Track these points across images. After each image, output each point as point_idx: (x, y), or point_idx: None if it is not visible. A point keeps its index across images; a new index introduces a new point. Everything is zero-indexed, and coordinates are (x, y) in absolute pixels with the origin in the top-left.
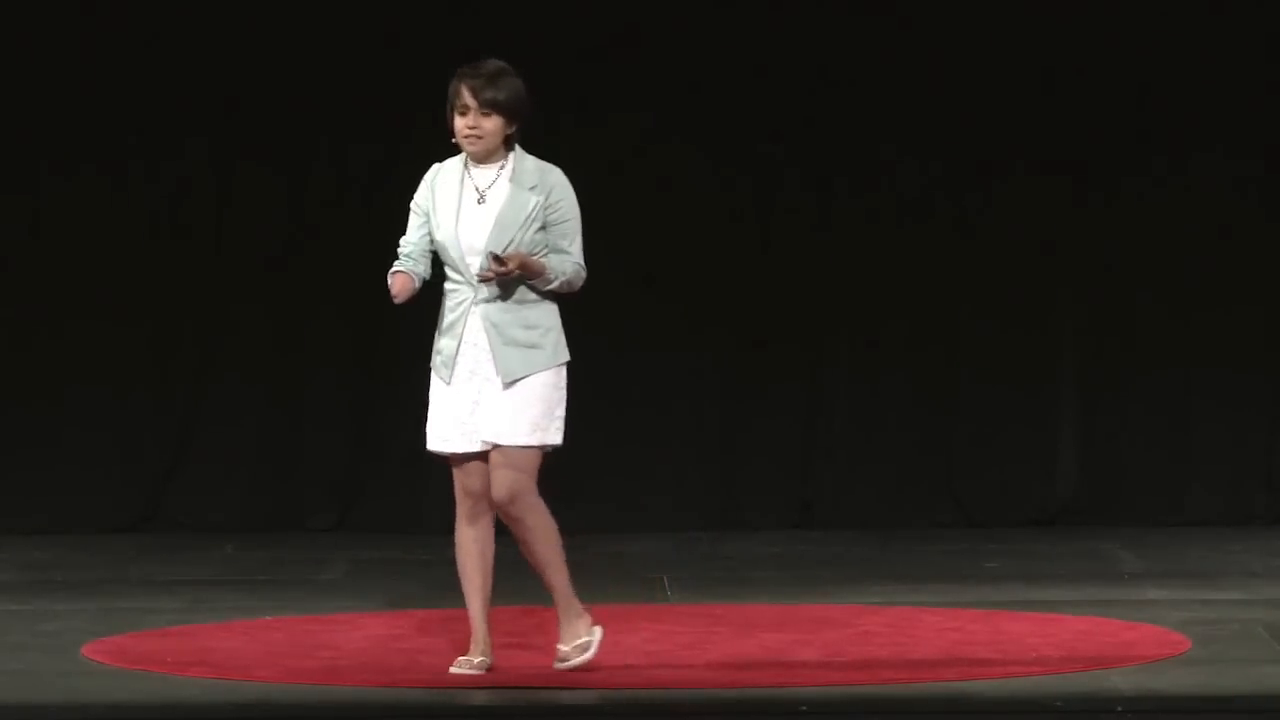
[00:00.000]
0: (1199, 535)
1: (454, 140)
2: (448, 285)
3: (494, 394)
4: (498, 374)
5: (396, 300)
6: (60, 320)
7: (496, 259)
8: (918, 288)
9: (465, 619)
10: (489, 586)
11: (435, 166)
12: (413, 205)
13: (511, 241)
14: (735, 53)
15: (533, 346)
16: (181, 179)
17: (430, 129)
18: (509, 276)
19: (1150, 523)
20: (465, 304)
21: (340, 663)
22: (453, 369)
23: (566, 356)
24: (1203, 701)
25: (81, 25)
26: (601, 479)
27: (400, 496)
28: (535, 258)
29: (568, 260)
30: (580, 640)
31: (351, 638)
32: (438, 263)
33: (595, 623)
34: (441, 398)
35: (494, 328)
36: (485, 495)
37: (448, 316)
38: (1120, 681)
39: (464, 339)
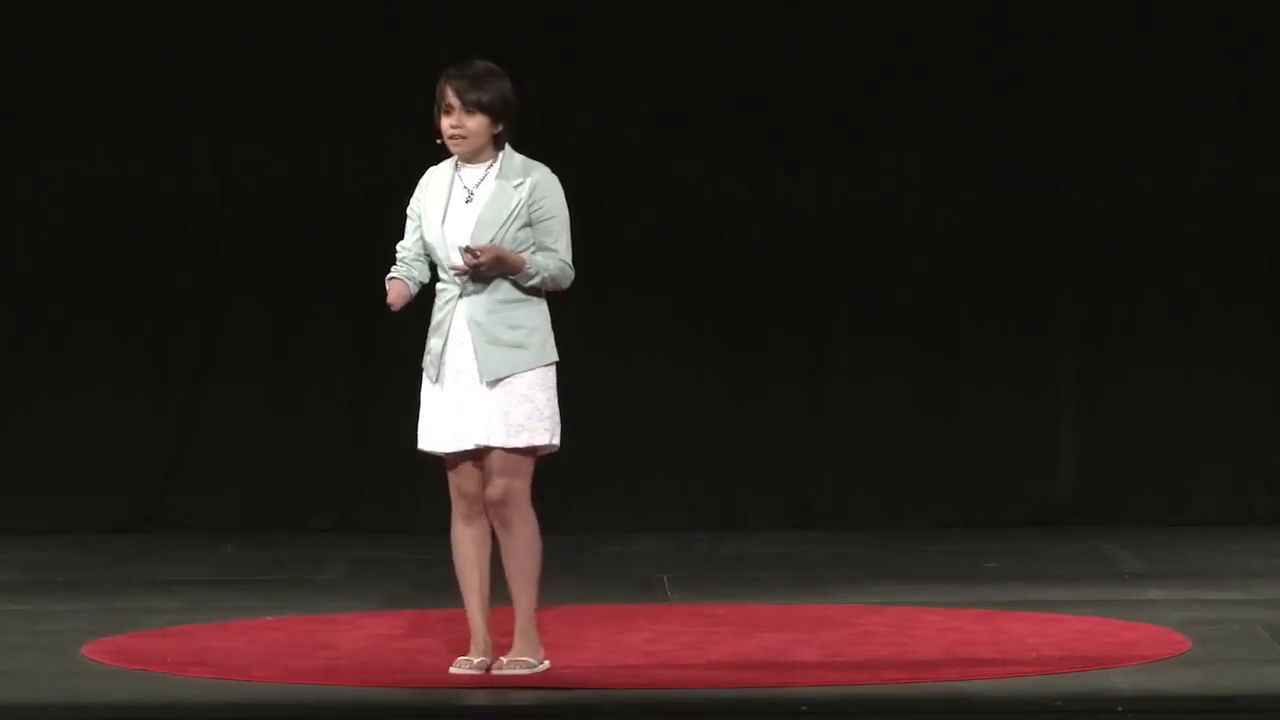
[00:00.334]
0: (1199, 535)
1: (439, 140)
2: (438, 285)
3: (479, 394)
4: (480, 373)
5: (392, 308)
6: (60, 320)
7: (470, 251)
8: (918, 288)
9: (465, 619)
10: (486, 586)
11: (430, 170)
12: (408, 210)
13: (493, 239)
14: (735, 53)
15: (517, 346)
16: (181, 179)
17: (431, 130)
18: (482, 269)
19: (1150, 523)
20: (451, 302)
21: (340, 663)
22: (440, 368)
23: (554, 357)
24: (1203, 701)
25: (82, 25)
26: (602, 479)
27: (400, 496)
28: (515, 253)
29: (552, 257)
30: (526, 659)
31: (351, 638)
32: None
33: (546, 657)
34: (431, 397)
35: (477, 326)
36: (479, 495)
37: (436, 315)
38: (1120, 681)
39: (450, 338)
